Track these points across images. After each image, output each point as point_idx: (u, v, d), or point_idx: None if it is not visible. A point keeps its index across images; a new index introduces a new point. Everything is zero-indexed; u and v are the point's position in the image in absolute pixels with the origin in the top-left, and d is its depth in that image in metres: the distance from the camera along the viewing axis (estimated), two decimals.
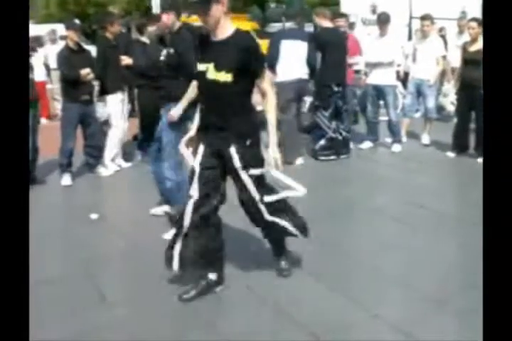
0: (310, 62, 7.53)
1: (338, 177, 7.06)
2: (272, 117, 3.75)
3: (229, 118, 3.64)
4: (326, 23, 7.88)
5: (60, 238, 5.19)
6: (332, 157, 7.84)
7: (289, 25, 8.06)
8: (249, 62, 3.55)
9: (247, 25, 34.33)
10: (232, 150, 3.65)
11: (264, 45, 7.96)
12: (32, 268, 4.41)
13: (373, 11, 13.91)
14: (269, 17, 33.67)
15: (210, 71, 3.59)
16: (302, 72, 7.56)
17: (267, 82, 3.71)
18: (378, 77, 8.26)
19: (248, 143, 3.66)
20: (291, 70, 7.47)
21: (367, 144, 8.61)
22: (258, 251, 4.53)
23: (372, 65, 8.32)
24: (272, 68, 7.40)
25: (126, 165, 7.71)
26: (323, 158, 7.83)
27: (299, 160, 7.69)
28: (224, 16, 3.57)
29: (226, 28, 3.60)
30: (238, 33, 3.62)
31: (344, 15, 9.03)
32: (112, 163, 7.53)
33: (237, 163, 3.66)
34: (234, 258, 4.30)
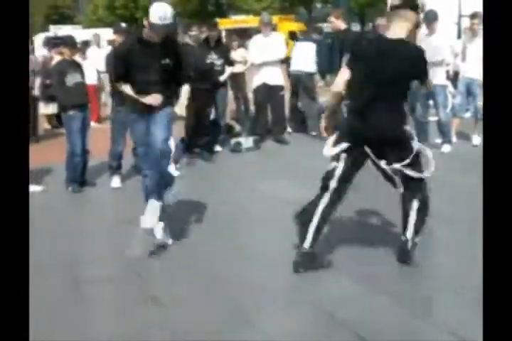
0: (316, 61, 9.52)
1: None
2: None
3: None
4: (342, 25, 7.74)
5: (109, 239, 5.27)
6: None
7: None
8: None
9: (294, 26, 34.38)
10: None
11: None
12: (82, 268, 4.52)
13: (421, 10, 13.69)
14: (316, 17, 33.62)
15: None
16: (303, 66, 9.69)
17: None
18: None
19: None
20: (295, 64, 9.93)
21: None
22: None
23: None
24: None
25: None
26: None
27: None
28: None
29: None
30: None
31: None
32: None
33: None
34: (279, 258, 4.31)
